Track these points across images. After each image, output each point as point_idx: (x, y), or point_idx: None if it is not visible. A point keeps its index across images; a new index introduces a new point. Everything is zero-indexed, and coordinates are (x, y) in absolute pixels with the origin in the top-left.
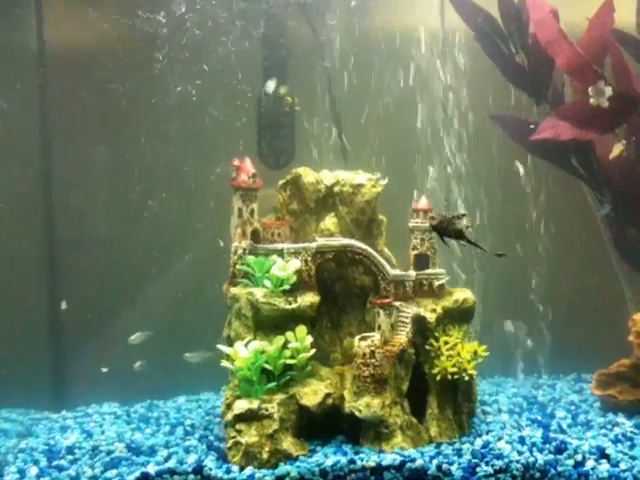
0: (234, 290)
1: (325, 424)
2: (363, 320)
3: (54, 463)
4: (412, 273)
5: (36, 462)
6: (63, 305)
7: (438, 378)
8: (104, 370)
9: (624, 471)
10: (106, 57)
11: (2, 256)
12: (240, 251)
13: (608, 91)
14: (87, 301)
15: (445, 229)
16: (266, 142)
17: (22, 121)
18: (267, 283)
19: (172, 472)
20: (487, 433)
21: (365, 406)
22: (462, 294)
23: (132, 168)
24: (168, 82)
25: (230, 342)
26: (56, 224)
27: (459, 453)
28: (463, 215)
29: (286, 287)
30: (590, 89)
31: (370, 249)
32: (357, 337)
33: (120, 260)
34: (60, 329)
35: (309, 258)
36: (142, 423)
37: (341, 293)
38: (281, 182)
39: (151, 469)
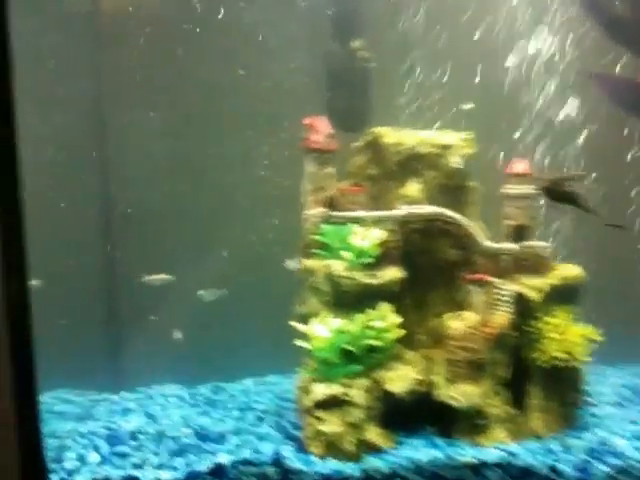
0: (309, 263)
1: (409, 413)
2: (451, 298)
3: (116, 449)
4: (511, 246)
5: (97, 448)
6: (148, 278)
7: (542, 364)
8: (177, 336)
9: None
10: (163, 18)
11: (59, 235)
12: (314, 220)
13: None
14: (146, 273)
15: (559, 193)
16: (337, 102)
17: (78, 89)
18: (346, 255)
19: (248, 463)
20: (597, 427)
21: (461, 395)
22: (569, 270)
23: (192, 134)
24: (230, 39)
25: (304, 320)
26: (113, 200)
27: (568, 450)
28: (581, 176)
29: (367, 260)
30: None
31: (463, 218)
32: (448, 317)
33: (178, 234)
34: (118, 306)
35: (394, 228)
36: (208, 407)
37: (426, 268)
38: (357, 144)
39: (225, 459)
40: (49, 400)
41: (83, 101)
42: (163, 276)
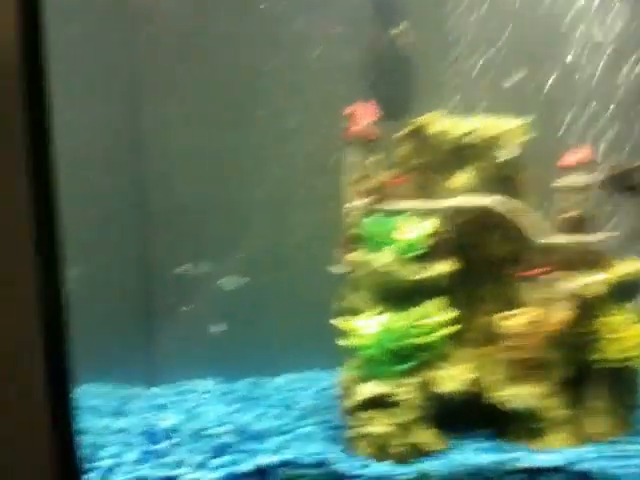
0: (352, 257)
1: (460, 414)
2: (502, 295)
3: (153, 448)
4: (567, 239)
5: (132, 446)
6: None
7: (601, 365)
8: (217, 330)
9: None
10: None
11: (93, 225)
12: (358, 211)
13: None
14: (181, 265)
15: (627, 183)
16: (378, 90)
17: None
18: (392, 248)
19: (292, 465)
20: None
21: (516, 396)
22: (630, 265)
23: (228, 123)
24: (268, 25)
25: (347, 316)
26: (148, 190)
27: (629, 456)
28: None
29: (415, 253)
30: None
31: (517, 209)
32: (504, 314)
33: (215, 226)
34: (152, 297)
35: (442, 220)
36: (246, 403)
37: (476, 262)
38: (402, 132)
39: (267, 460)
40: (81, 394)
41: (117, 87)
42: (236, 279)
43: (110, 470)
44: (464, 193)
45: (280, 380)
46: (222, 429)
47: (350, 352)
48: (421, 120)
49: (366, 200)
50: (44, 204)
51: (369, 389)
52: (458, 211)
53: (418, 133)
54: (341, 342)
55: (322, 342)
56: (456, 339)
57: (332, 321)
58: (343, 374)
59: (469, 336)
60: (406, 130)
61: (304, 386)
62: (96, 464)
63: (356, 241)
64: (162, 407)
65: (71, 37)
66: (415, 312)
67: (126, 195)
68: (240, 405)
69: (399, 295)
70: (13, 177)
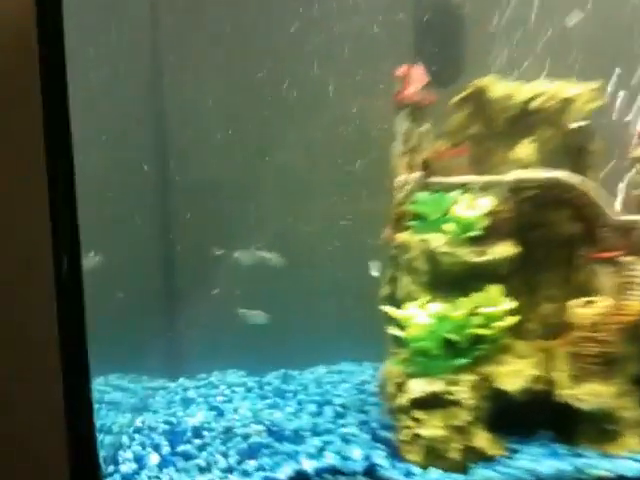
0: (402, 237)
1: (523, 415)
2: (569, 280)
3: (179, 449)
4: None
5: (156, 447)
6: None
7: None
8: (257, 319)
9: None
10: None
11: (117, 208)
12: (408, 186)
13: None
14: (204, 252)
15: None
16: (427, 53)
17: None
18: (448, 227)
19: (336, 471)
20: None
21: (589, 394)
22: None
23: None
24: None
25: (392, 302)
26: (173, 172)
27: None
28: None
29: (473, 234)
30: None
31: (588, 184)
32: (573, 303)
33: (242, 208)
34: (176, 282)
35: (503, 196)
36: (279, 398)
37: (540, 244)
38: (458, 98)
39: (308, 466)
40: (99, 387)
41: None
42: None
43: (132, 475)
44: (528, 166)
45: (312, 373)
46: (255, 428)
47: (395, 343)
48: (479, 84)
49: (418, 174)
50: (62, 192)
51: (420, 387)
52: (521, 186)
53: (475, 98)
54: (391, 331)
55: (356, 332)
56: (516, 330)
57: (382, 308)
58: (385, 368)
59: (530, 327)
60: (462, 95)
61: (339, 380)
62: (116, 467)
63: (407, 219)
64: (187, 402)
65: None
66: (474, 299)
67: (152, 175)
68: (272, 400)
69: (455, 280)
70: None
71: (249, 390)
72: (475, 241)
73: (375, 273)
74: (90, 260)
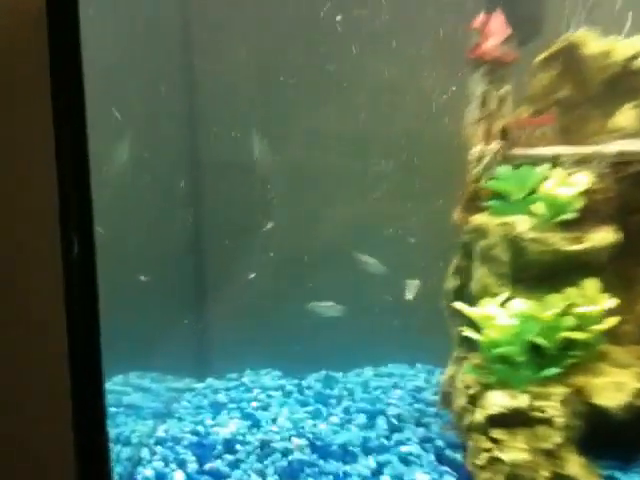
0: (478, 219)
1: (625, 436)
2: None
3: (207, 466)
4: None
5: (181, 463)
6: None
7: None
8: (334, 312)
9: None
10: None
11: (143, 191)
12: (487, 159)
13: None
14: (235, 241)
15: None
16: (503, 8)
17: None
18: (536, 209)
19: None
20: None
21: None
22: None
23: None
24: None
25: (460, 298)
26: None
27: None
28: None
29: (567, 216)
30: None
31: None
32: None
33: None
34: (204, 268)
35: (601, 171)
36: (322, 405)
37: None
38: (543, 56)
39: None
40: (117, 388)
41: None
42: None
43: None
44: (629, 136)
45: (357, 376)
46: (296, 442)
47: (464, 346)
48: (570, 39)
49: (497, 144)
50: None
51: (501, 401)
52: (624, 159)
53: (565, 56)
54: (465, 333)
55: (405, 330)
56: (610, 334)
57: (447, 303)
58: (449, 373)
59: (626, 329)
60: (549, 52)
61: (389, 384)
62: None
63: (484, 199)
64: (217, 407)
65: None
66: (567, 296)
67: (181, 158)
68: (314, 407)
69: (543, 273)
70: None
71: (287, 395)
72: (568, 226)
73: (410, 296)
74: (107, 242)
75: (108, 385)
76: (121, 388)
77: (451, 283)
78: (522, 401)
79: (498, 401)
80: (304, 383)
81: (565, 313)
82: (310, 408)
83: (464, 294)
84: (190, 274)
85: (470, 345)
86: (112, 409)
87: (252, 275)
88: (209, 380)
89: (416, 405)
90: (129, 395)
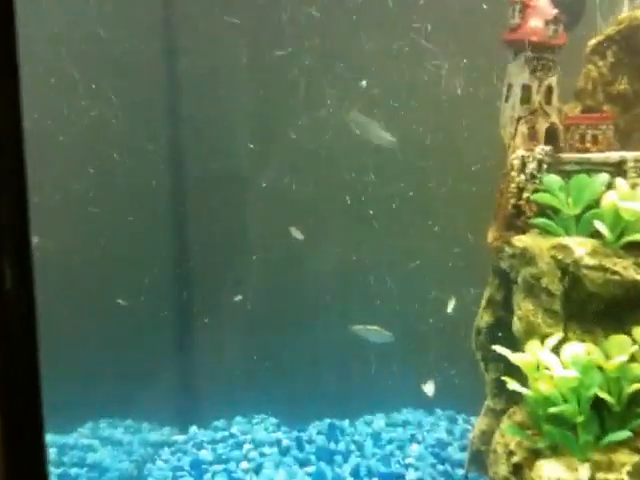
0: (522, 241)
1: None
2: None
3: None
4: None
5: None
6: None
7: None
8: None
9: None
10: None
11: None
12: (532, 165)
13: None
14: (221, 283)
15: None
16: None
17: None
18: (600, 227)
19: None
20: None
21: None
22: None
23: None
24: None
25: (494, 337)
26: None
27: None
28: None
29: (637, 237)
30: None
31: None
32: None
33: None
34: (188, 293)
35: None
36: (326, 465)
37: None
38: (594, 41)
39: None
40: (80, 441)
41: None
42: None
43: None
44: None
45: (366, 425)
46: None
47: (503, 396)
48: (631, 19)
49: (543, 147)
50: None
51: (554, 473)
52: None
53: (625, 40)
54: (511, 386)
55: (420, 369)
56: None
57: (496, 348)
58: (482, 428)
59: None
60: (605, 34)
61: (405, 436)
62: None
63: (528, 215)
64: (200, 468)
65: None
66: (636, 337)
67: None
68: (316, 467)
69: (606, 308)
70: None
71: (284, 452)
72: (637, 249)
73: (450, 309)
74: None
75: (71, 438)
76: (87, 441)
77: (484, 319)
78: (582, 473)
79: (551, 473)
80: (304, 435)
81: (634, 359)
82: (311, 468)
83: (500, 333)
84: (172, 299)
85: (510, 396)
86: (73, 470)
87: (238, 297)
88: (192, 429)
89: (440, 467)
90: (95, 452)
